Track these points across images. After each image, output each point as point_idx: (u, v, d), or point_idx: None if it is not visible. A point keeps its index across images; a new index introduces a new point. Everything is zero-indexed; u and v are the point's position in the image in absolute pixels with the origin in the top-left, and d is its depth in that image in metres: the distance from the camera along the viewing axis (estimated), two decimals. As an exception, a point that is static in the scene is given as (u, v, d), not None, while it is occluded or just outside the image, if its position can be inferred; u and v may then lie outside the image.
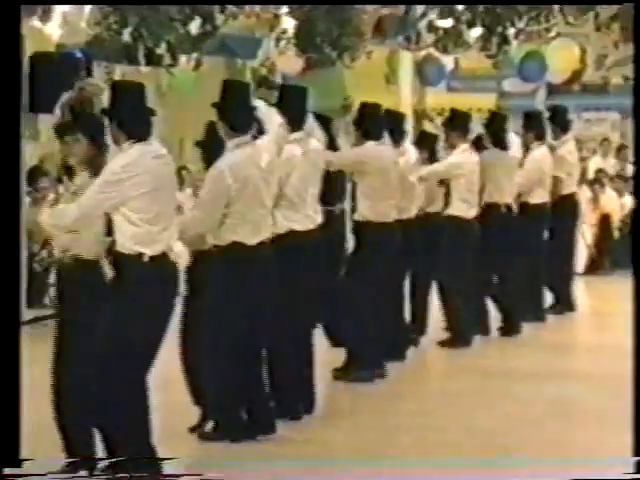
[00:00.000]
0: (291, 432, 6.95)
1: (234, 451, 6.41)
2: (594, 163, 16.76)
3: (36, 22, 13.97)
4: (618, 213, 16.09)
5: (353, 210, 8.67)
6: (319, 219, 7.41)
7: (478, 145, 10.36)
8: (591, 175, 16.36)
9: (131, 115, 5.56)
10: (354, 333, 8.43)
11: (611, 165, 16.97)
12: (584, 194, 15.57)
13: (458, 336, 9.85)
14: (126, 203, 5.45)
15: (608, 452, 6.56)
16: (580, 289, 12.82)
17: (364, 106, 8.80)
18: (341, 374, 8.35)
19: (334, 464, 5.57)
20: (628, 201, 16.31)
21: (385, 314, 8.68)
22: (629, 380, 8.54)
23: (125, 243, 5.48)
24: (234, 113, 6.51)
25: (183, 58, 15.07)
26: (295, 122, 7.24)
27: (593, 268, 15.45)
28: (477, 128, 10.69)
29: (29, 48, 12.08)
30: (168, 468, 5.60)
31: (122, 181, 5.44)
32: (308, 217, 7.30)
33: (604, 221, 15.85)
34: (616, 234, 15.98)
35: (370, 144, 8.46)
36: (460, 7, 15.91)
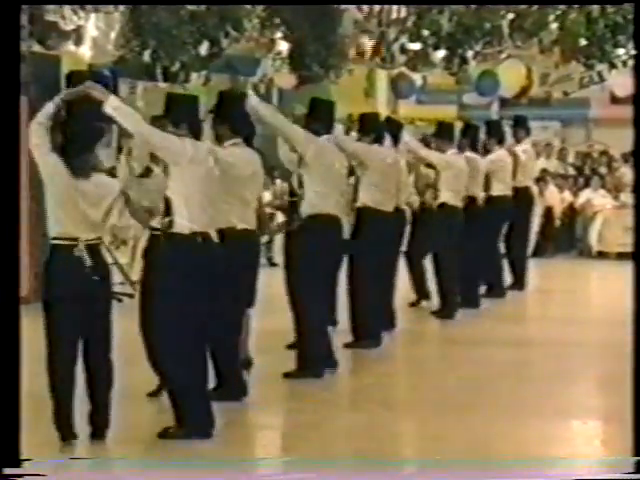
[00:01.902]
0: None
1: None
2: (539, 164, 16.67)
3: (71, 46, 13.98)
4: (559, 206, 16.11)
5: (355, 199, 8.35)
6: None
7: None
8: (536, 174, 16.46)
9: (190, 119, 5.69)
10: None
11: (553, 166, 16.92)
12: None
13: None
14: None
15: (553, 406, 6.60)
16: (528, 269, 12.60)
17: (365, 116, 8.58)
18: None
19: (332, 464, 5.08)
20: (567, 195, 16.47)
21: (382, 291, 8.47)
22: (570, 345, 8.71)
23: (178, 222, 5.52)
24: (234, 118, 6.37)
25: (194, 75, 14.86)
26: (325, 129, 7.24)
27: (539, 252, 15.37)
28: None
29: (65, 67, 11.97)
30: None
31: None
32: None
33: (547, 212, 15.83)
34: (557, 223, 16.00)
35: (375, 147, 8.28)
36: (426, 32, 15.55)
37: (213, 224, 5.62)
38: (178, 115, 5.67)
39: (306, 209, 7.13)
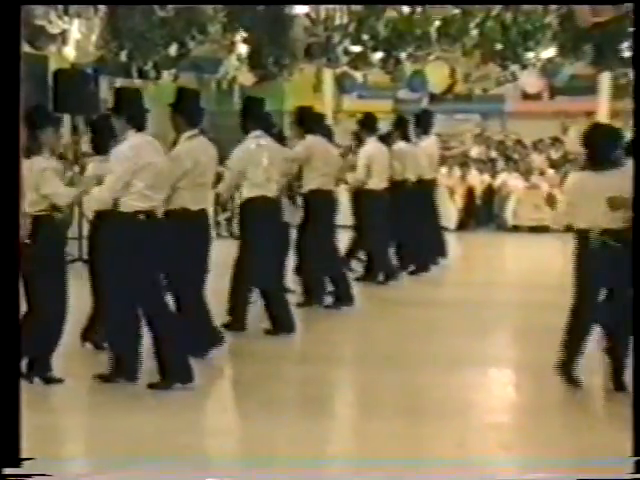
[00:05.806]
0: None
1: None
2: (473, 151, 16.96)
3: (57, 47, 14.39)
4: (479, 186, 16.16)
5: (301, 185, 8.46)
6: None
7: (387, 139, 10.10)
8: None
9: (135, 112, 5.71)
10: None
11: (477, 152, 17.09)
12: (456, 173, 15.97)
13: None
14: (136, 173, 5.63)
15: (472, 356, 6.66)
16: (453, 241, 12.73)
17: (302, 109, 8.65)
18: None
19: (325, 464, 4.72)
20: (486, 178, 16.27)
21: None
22: (484, 304, 8.92)
23: (127, 201, 5.66)
24: (190, 111, 6.34)
25: (165, 73, 15.34)
26: (260, 124, 7.32)
27: (462, 226, 15.57)
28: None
29: (52, 66, 12.39)
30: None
31: (131, 158, 5.64)
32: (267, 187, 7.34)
33: (469, 192, 15.96)
34: (478, 202, 16.09)
35: (310, 137, 8.34)
36: (366, 37, 15.81)
37: (160, 204, 5.74)
38: (121, 107, 5.76)
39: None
